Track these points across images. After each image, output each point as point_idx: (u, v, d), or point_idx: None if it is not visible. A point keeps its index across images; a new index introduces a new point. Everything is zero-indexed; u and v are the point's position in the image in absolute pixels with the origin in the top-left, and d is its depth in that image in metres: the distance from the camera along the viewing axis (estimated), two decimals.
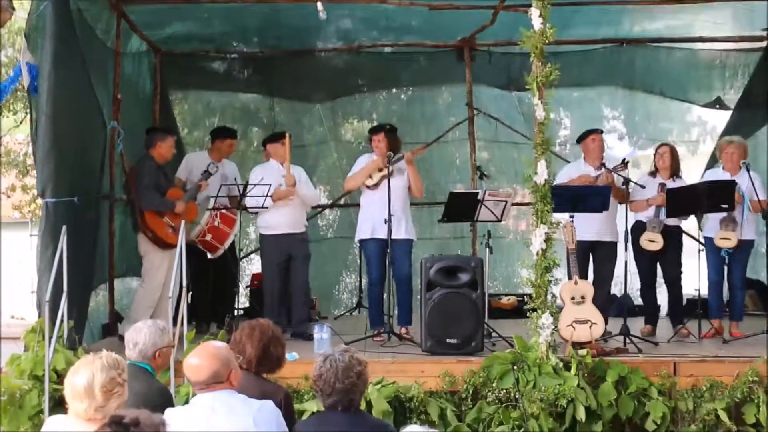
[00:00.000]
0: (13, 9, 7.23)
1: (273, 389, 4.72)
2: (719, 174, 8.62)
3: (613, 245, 8.48)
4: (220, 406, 4.05)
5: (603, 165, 8.35)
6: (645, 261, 8.61)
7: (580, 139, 8.80)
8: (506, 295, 10.50)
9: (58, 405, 5.95)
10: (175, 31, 10.03)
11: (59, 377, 6.22)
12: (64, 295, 6.77)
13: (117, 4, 8.68)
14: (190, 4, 8.45)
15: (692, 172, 8.86)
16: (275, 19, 9.76)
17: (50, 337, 6.63)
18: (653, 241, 8.30)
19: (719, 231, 8.26)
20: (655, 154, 8.79)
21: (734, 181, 8.22)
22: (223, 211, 8.61)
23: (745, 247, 8.41)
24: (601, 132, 8.84)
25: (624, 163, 8.40)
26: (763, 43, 10.83)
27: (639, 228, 8.47)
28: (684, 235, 9.09)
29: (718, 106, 11.42)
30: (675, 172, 8.62)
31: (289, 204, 8.46)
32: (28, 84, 7.45)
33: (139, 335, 4.85)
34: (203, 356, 4.16)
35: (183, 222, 7.80)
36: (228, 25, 10.14)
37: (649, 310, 8.78)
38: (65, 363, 6.40)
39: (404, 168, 8.28)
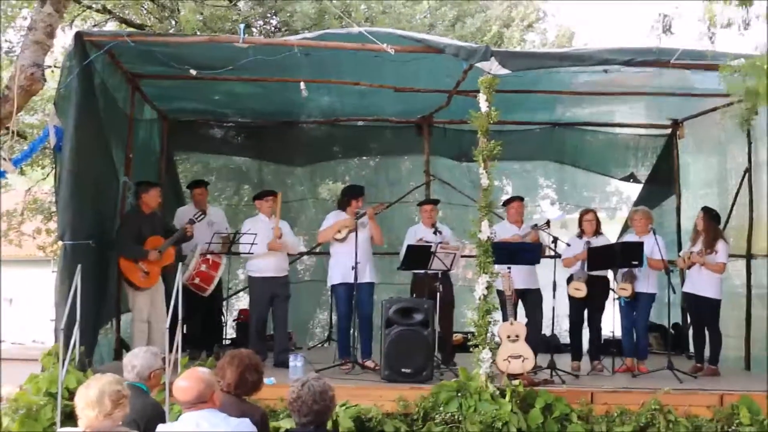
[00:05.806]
0: (45, 80, 7.24)
1: (251, 409, 4.62)
2: (633, 237, 8.70)
3: (538, 291, 8.54)
4: (204, 423, 3.99)
5: (536, 225, 8.43)
6: (575, 306, 8.63)
7: (504, 204, 8.97)
8: (453, 332, 10.41)
9: (69, 418, 5.86)
10: (181, 103, 10.03)
11: (70, 394, 6.09)
12: (77, 324, 6.65)
13: (132, 79, 8.70)
14: (193, 81, 8.45)
15: (611, 234, 8.91)
16: (266, 95, 9.78)
17: (64, 360, 6.50)
18: (578, 290, 8.37)
19: (620, 282, 8.36)
20: (581, 219, 8.85)
21: (642, 242, 8.32)
22: (209, 257, 8.50)
23: (644, 298, 8.45)
24: (520, 199, 8.95)
25: (547, 223, 8.54)
26: (668, 130, 11.01)
27: (570, 280, 8.53)
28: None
29: (632, 180, 11.54)
30: (598, 231, 8.70)
31: (275, 252, 8.44)
32: (54, 144, 7.43)
33: (136, 359, 4.79)
34: (190, 380, 4.11)
35: (180, 264, 7.68)
36: (225, 99, 10.14)
37: (577, 348, 8.75)
38: (76, 382, 6.26)
39: (367, 222, 8.28)
